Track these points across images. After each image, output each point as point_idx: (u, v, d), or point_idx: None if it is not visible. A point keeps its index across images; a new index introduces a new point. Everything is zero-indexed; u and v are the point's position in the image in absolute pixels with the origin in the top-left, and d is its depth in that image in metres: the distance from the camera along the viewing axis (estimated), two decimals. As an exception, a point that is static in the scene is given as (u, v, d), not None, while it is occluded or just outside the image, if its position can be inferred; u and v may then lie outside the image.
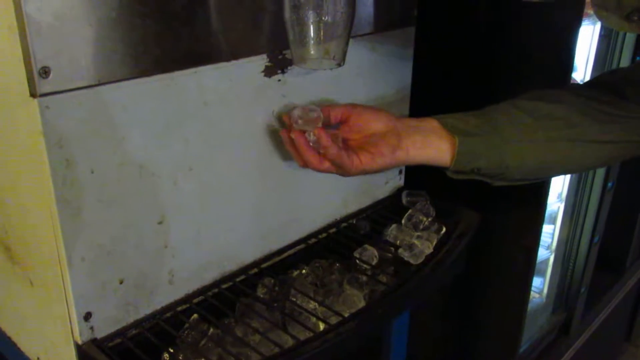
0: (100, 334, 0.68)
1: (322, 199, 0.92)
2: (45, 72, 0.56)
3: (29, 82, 0.56)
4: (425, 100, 1.03)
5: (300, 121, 0.74)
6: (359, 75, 0.89)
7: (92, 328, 0.67)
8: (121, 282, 0.68)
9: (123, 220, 0.66)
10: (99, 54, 0.59)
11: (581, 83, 0.93)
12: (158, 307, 0.74)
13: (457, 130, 0.79)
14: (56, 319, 0.69)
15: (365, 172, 0.77)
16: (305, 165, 0.77)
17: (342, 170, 0.77)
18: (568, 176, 1.52)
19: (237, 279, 0.81)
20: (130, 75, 0.62)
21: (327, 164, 0.75)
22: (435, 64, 1.14)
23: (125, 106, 0.63)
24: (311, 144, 0.75)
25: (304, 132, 0.75)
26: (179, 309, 0.75)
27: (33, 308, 0.75)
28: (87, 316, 0.66)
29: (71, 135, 0.59)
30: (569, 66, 1.09)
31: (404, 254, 0.88)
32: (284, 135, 0.76)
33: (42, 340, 0.76)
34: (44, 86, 0.56)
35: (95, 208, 0.63)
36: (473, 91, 1.15)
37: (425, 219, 0.95)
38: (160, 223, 0.70)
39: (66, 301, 0.66)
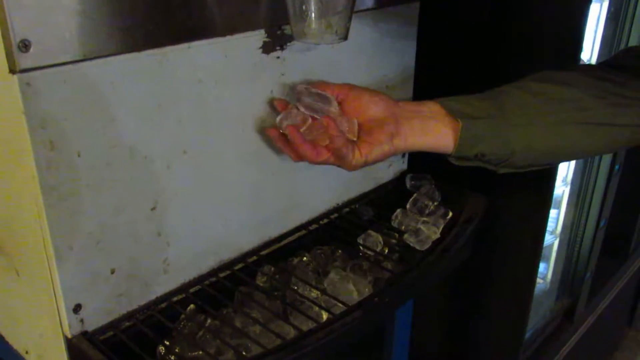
0: (91, 326, 0.64)
1: (323, 183, 0.88)
2: (25, 45, 0.51)
3: (7, 57, 0.51)
4: (430, 79, 0.99)
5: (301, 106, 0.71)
6: (361, 53, 0.85)
7: (82, 321, 0.63)
8: (112, 272, 0.65)
9: (113, 206, 0.62)
10: (85, 26, 0.55)
11: (594, 63, 0.88)
12: (152, 297, 0.70)
13: (461, 113, 0.74)
14: (44, 311, 0.65)
15: (365, 164, 0.73)
16: (300, 159, 0.72)
17: (341, 163, 0.72)
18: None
19: (236, 267, 0.78)
20: (119, 50, 0.58)
21: (324, 156, 0.71)
22: (439, 42, 1.09)
23: (113, 84, 0.59)
24: (303, 129, 0.71)
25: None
26: (175, 299, 0.72)
27: (20, 299, 0.71)
28: (77, 308, 0.63)
29: (55, 115, 0.55)
30: (579, 41, 1.05)
31: (410, 240, 0.84)
32: (273, 134, 0.72)
33: (30, 333, 0.72)
34: (24, 61, 0.52)
35: (83, 193, 0.59)
36: (479, 71, 1.10)
37: (431, 203, 0.91)
38: (153, 209, 0.66)
39: (54, 292, 0.62)
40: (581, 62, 1.06)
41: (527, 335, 1.47)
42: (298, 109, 0.73)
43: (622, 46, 1.41)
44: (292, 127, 0.70)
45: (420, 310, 1.27)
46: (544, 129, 0.75)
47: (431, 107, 0.75)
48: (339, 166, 0.73)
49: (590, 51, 1.45)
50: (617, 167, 1.48)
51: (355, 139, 0.73)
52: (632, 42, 1.40)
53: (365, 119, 0.74)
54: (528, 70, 0.81)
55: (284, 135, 0.72)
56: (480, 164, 0.77)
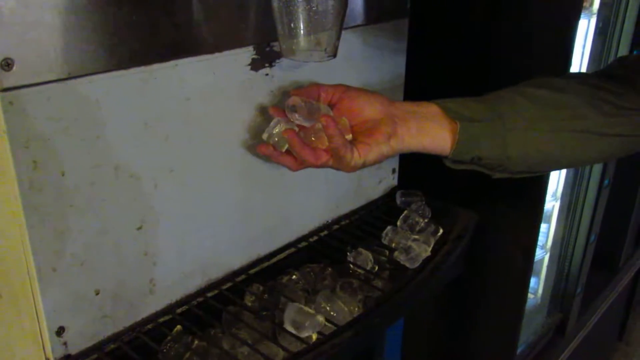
0: (74, 349, 0.63)
1: (313, 200, 0.87)
2: (7, 64, 0.50)
3: (-11, 76, 0.50)
4: (420, 95, 0.99)
5: (297, 116, 0.69)
6: (351, 69, 0.85)
7: (65, 344, 0.62)
8: (97, 293, 0.63)
9: (98, 226, 0.61)
10: (70, 44, 0.54)
11: (591, 72, 0.88)
12: (138, 318, 0.68)
13: (459, 116, 0.73)
14: (26, 334, 0.63)
15: (363, 165, 0.72)
16: (298, 167, 0.71)
17: (340, 164, 0.71)
18: (563, 174, 1.49)
19: (224, 287, 0.77)
20: (105, 68, 0.57)
21: (324, 158, 0.70)
22: (429, 57, 1.09)
23: (99, 102, 0.58)
24: (296, 125, 0.69)
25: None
26: (161, 320, 0.70)
27: (1, 322, 0.69)
28: (60, 331, 0.61)
29: (39, 134, 0.54)
30: (568, 56, 1.05)
31: (400, 258, 0.83)
32: (265, 150, 0.71)
33: (12, 357, 0.71)
34: (7, 79, 0.50)
35: (67, 214, 0.58)
36: (469, 85, 1.10)
37: (421, 220, 0.90)
38: (139, 229, 0.65)
39: (36, 315, 0.60)
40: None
41: (519, 350, 1.46)
42: (287, 120, 0.71)
43: (610, 61, 1.41)
44: (291, 132, 0.68)
45: (411, 327, 1.26)
46: (540, 136, 0.74)
47: (429, 108, 0.75)
48: (337, 169, 0.72)
49: (578, 66, 1.45)
50: (606, 181, 1.48)
51: (350, 137, 0.72)
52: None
53: (361, 120, 0.73)
54: (516, 82, 0.81)
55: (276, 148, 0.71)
56: (475, 167, 0.76)
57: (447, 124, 0.73)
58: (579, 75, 0.97)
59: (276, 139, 0.70)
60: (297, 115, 0.69)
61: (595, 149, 0.77)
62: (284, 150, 0.71)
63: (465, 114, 0.73)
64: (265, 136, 0.71)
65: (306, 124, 0.69)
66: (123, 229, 0.64)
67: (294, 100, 0.69)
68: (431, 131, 0.73)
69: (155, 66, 0.61)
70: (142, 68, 0.60)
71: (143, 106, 0.61)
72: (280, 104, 0.75)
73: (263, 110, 0.74)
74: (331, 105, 0.73)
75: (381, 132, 0.71)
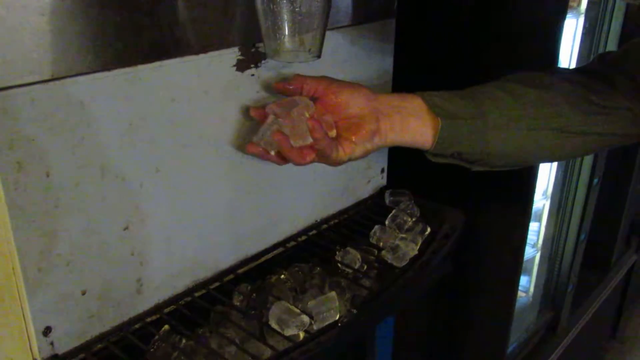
0: (61, 349, 0.63)
1: (301, 200, 0.88)
2: (-10, 65, 0.51)
3: (-28, 77, 0.51)
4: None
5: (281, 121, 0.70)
6: (338, 70, 0.85)
7: (52, 343, 0.62)
8: (83, 293, 0.63)
9: (84, 227, 0.61)
10: (54, 45, 0.54)
11: (572, 68, 0.89)
12: (125, 318, 0.69)
13: (442, 111, 0.74)
14: (13, 334, 0.63)
15: (349, 160, 0.73)
16: (285, 162, 0.73)
17: (325, 161, 0.72)
18: (553, 173, 1.50)
19: (211, 287, 0.77)
20: (89, 69, 0.57)
21: (310, 157, 0.71)
22: (417, 58, 1.10)
23: (83, 103, 0.58)
24: (282, 128, 0.70)
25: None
26: (149, 319, 0.70)
27: (-10, 322, 0.70)
28: (47, 331, 0.61)
29: (23, 136, 0.54)
30: (555, 56, 1.06)
31: (388, 257, 0.84)
32: (254, 150, 0.72)
33: None
34: (-10, 81, 0.51)
35: (52, 214, 0.58)
36: (456, 86, 1.11)
37: (409, 219, 0.91)
38: (125, 229, 0.65)
39: (23, 315, 0.60)
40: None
41: (510, 349, 1.47)
42: (273, 122, 0.72)
43: (591, 58, 1.42)
44: (281, 135, 0.69)
45: (402, 326, 1.26)
46: (519, 133, 0.76)
47: (413, 102, 0.75)
48: (323, 163, 0.73)
49: (567, 66, 1.46)
50: (596, 180, 1.49)
51: (334, 134, 0.73)
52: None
53: (346, 116, 0.73)
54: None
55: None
56: (456, 161, 0.78)
57: (429, 120, 0.74)
58: (562, 70, 0.98)
59: (267, 141, 0.72)
60: (280, 121, 0.70)
61: (573, 146, 0.78)
62: (273, 152, 0.72)
63: (449, 110, 0.74)
64: (255, 139, 0.72)
65: (289, 126, 0.70)
66: (109, 229, 0.64)
67: (271, 109, 0.71)
68: (414, 127, 0.74)
69: (140, 67, 0.62)
70: (127, 69, 0.61)
71: (128, 107, 0.62)
72: (266, 103, 0.76)
73: (249, 111, 0.75)
74: (314, 99, 0.73)
75: (365, 129, 0.72)
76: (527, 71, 0.81)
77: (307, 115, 0.71)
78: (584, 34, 1.37)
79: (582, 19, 1.36)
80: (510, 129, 0.75)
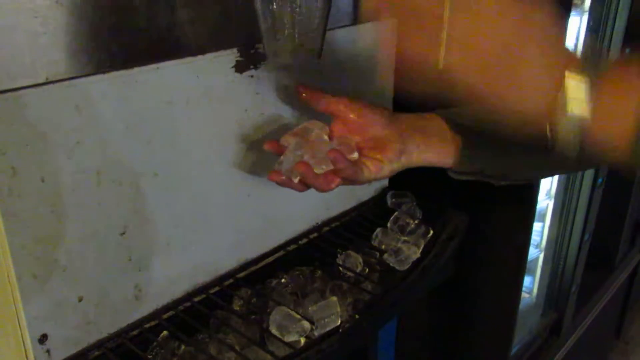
0: (58, 357, 0.62)
1: (302, 203, 0.87)
2: (-18, 69, 0.49)
3: (-36, 82, 0.50)
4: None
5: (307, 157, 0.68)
6: (339, 70, 0.84)
7: (48, 351, 0.61)
8: (80, 300, 0.62)
9: (80, 232, 0.60)
10: (47, 48, 0.53)
11: None
12: (123, 325, 0.68)
13: (462, 129, 0.73)
14: (8, 342, 0.62)
15: (375, 180, 0.71)
16: (307, 189, 0.70)
17: (351, 183, 0.70)
18: (557, 172, 1.48)
19: (211, 291, 0.76)
20: (84, 72, 0.56)
21: (336, 182, 0.68)
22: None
23: (78, 107, 0.57)
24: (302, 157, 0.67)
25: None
26: (147, 326, 0.69)
27: (-15, 329, 0.69)
28: (43, 339, 0.60)
29: (16, 141, 0.53)
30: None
31: (390, 260, 0.83)
32: (277, 178, 0.68)
33: (-4, 364, 0.70)
34: (-18, 85, 0.50)
35: (48, 220, 0.57)
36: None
37: (412, 221, 0.89)
38: (122, 234, 0.64)
39: (18, 322, 0.59)
40: None
41: (514, 350, 1.46)
42: (293, 151, 0.69)
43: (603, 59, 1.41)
44: (304, 166, 0.66)
45: (404, 328, 1.25)
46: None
47: (433, 121, 0.74)
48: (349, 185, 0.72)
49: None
50: (600, 180, 1.47)
51: (356, 156, 0.70)
52: (613, 55, 1.40)
53: (369, 137, 0.71)
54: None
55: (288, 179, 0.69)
56: (479, 178, 0.76)
57: (451, 138, 0.73)
58: None
59: (288, 170, 0.69)
60: (298, 153, 0.68)
61: None
62: (297, 180, 0.69)
63: (469, 126, 0.72)
64: (277, 168, 0.69)
65: (310, 153, 0.68)
66: (106, 235, 0.63)
67: (286, 140, 0.69)
68: (437, 147, 0.73)
69: (136, 70, 0.60)
70: (123, 72, 0.59)
71: (124, 110, 0.61)
72: (273, 131, 0.76)
73: (248, 112, 0.74)
74: (332, 115, 0.71)
75: (392, 149, 0.70)
76: None
77: (325, 137, 0.70)
78: (587, 32, 1.35)
79: (586, 17, 1.34)
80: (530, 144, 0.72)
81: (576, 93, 0.55)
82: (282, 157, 0.68)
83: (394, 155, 0.70)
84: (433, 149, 0.73)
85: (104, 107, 0.59)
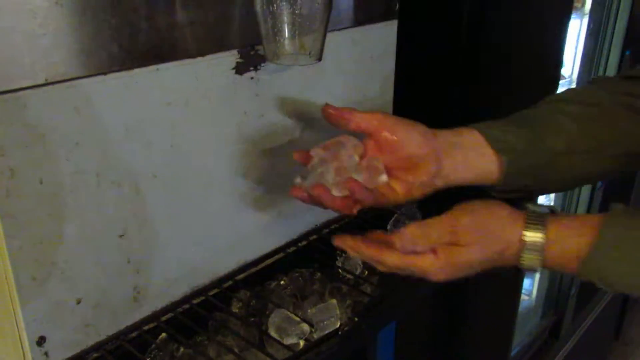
0: (56, 359, 0.62)
1: (301, 204, 0.86)
2: (-19, 70, 0.49)
3: (-38, 83, 0.49)
4: (410, 97, 0.98)
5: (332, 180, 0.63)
6: (339, 72, 0.84)
7: (46, 354, 0.61)
8: (78, 302, 0.62)
9: (79, 234, 0.60)
10: (47, 49, 0.53)
11: (615, 75, 0.81)
12: (122, 327, 0.67)
13: (503, 145, 0.67)
14: (7, 344, 0.62)
15: (404, 202, 0.67)
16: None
17: (379, 207, 0.67)
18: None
19: (210, 293, 0.76)
20: (83, 73, 0.56)
21: (357, 208, 0.65)
22: (419, 59, 1.08)
23: (77, 108, 0.57)
24: (327, 174, 0.63)
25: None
26: (145, 328, 0.69)
27: (-17, 331, 0.69)
28: (41, 341, 0.60)
29: (15, 142, 0.53)
30: (559, 56, 1.04)
31: (389, 263, 0.82)
32: (299, 194, 0.64)
33: (-6, 366, 0.70)
34: (-19, 86, 0.50)
35: (46, 222, 0.57)
36: (459, 86, 1.10)
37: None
38: (121, 236, 0.64)
39: (16, 324, 0.59)
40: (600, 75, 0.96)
41: (513, 352, 1.46)
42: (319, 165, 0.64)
43: (603, 61, 1.41)
44: (321, 189, 0.62)
45: (403, 330, 1.25)
46: (584, 157, 0.70)
47: (471, 137, 0.68)
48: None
49: (571, 67, 1.45)
50: (600, 183, 1.47)
51: (384, 179, 0.64)
52: (613, 57, 1.40)
53: (403, 156, 0.64)
54: (509, 88, 0.80)
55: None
56: (520, 195, 0.72)
57: (491, 155, 0.67)
58: (603, 82, 0.82)
59: (311, 187, 0.64)
60: (319, 170, 0.64)
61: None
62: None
63: (510, 142, 0.68)
64: (298, 181, 0.65)
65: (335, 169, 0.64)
66: (105, 237, 0.63)
67: (316, 152, 0.64)
68: (476, 165, 0.67)
69: (136, 71, 0.60)
70: (122, 73, 0.59)
71: (124, 112, 0.60)
72: (272, 134, 0.74)
73: (248, 114, 0.73)
74: (364, 133, 0.65)
75: (426, 171, 0.64)
76: (570, 89, 0.76)
77: (356, 158, 0.64)
78: (588, 35, 1.35)
79: (586, 20, 1.34)
80: (575, 153, 0.69)
81: None
82: (305, 172, 0.64)
83: (427, 177, 0.64)
84: (474, 167, 0.67)
85: (103, 109, 0.59)
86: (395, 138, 0.63)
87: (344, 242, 0.64)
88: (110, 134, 0.60)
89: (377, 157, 0.64)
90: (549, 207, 0.62)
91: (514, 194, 0.72)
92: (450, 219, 0.60)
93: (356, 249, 0.63)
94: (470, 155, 0.67)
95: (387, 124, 0.64)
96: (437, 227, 0.59)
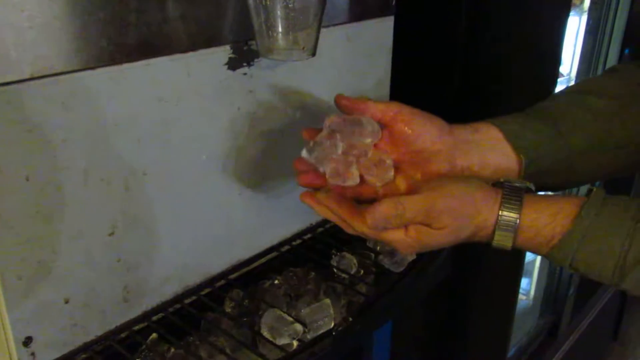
0: (43, 360, 0.61)
1: (295, 202, 0.84)
2: (-36, 64, 0.48)
3: (-56, 76, 0.48)
4: (407, 94, 0.97)
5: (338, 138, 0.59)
6: (334, 68, 0.83)
7: (33, 354, 0.59)
8: (67, 302, 0.61)
9: (67, 233, 0.59)
10: (32, 43, 0.52)
11: (635, 63, 0.75)
12: (112, 327, 0.66)
13: (523, 142, 0.65)
14: (-7, 344, 0.61)
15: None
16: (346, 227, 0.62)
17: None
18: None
19: (202, 293, 0.74)
20: (70, 68, 0.55)
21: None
22: (416, 55, 1.07)
23: (65, 104, 0.55)
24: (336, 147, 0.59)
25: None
26: (136, 328, 0.68)
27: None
28: (27, 341, 0.59)
29: (0, 138, 0.52)
30: (557, 54, 1.03)
31: (385, 262, 0.81)
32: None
33: (-18, 366, 0.68)
34: (-36, 80, 0.48)
35: (32, 220, 0.56)
36: (456, 83, 1.08)
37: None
38: (111, 235, 0.63)
39: (2, 324, 0.58)
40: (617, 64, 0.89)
41: (511, 353, 1.45)
42: (329, 140, 0.61)
43: (602, 59, 1.40)
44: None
45: (400, 330, 1.24)
46: (605, 154, 0.68)
47: (489, 133, 0.65)
48: None
49: (569, 65, 1.44)
50: (597, 182, 1.46)
51: (391, 176, 0.61)
52: (612, 56, 1.39)
53: (415, 149, 0.61)
54: (507, 85, 0.78)
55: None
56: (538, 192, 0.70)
57: (510, 153, 0.64)
58: (626, 70, 0.77)
59: (318, 157, 0.60)
60: (338, 138, 0.60)
61: None
62: (323, 170, 0.61)
63: (529, 139, 0.65)
64: (304, 153, 0.61)
65: (339, 152, 0.60)
66: (94, 235, 0.61)
67: (332, 121, 0.60)
68: (493, 164, 0.64)
69: (126, 66, 0.59)
70: (111, 68, 0.58)
71: (113, 108, 0.59)
72: (266, 131, 0.73)
73: (241, 111, 0.72)
74: (381, 126, 0.62)
75: (436, 170, 0.62)
76: (588, 79, 0.74)
77: (370, 144, 0.61)
78: (586, 33, 1.34)
79: (585, 17, 1.33)
80: (595, 151, 0.67)
81: None
82: (312, 143, 0.60)
83: (435, 176, 0.62)
84: (489, 166, 0.64)
85: (92, 104, 0.57)
86: (409, 131, 0.61)
87: (313, 196, 0.61)
88: (99, 130, 0.59)
89: (388, 153, 0.62)
90: (525, 183, 0.60)
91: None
92: (426, 200, 0.57)
93: (327, 204, 0.60)
94: (487, 152, 0.64)
95: (404, 115, 0.61)
96: (411, 209, 0.56)
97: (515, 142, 0.65)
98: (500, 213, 0.58)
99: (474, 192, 0.59)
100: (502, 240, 0.59)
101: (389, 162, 0.61)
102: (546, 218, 0.58)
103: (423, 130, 0.61)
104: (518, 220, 0.57)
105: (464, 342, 1.36)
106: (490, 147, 0.65)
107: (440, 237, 0.58)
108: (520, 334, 1.49)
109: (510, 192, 0.59)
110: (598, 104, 0.68)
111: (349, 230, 0.61)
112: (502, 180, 0.61)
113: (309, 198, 0.62)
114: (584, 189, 0.63)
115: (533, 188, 0.61)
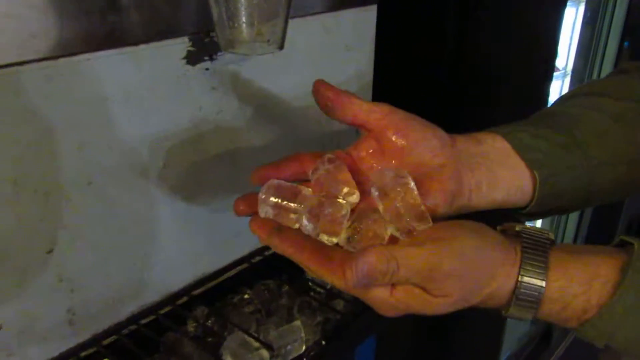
0: (-28, 395, 0.54)
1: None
2: None
3: None
4: (390, 90, 0.90)
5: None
6: (310, 63, 0.75)
7: (-41, 389, 0.52)
8: (0, 328, 0.54)
9: (-5, 251, 0.52)
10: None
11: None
12: (55, 354, 0.59)
13: (536, 156, 0.53)
14: None
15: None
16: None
17: None
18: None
19: (161, 312, 0.67)
20: (-6, 63, 0.47)
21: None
22: (401, 48, 1.00)
23: (-13, 105, 0.48)
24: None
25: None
26: (83, 354, 0.61)
27: None
28: (-49, 376, 0.52)
29: None
30: (553, 46, 0.97)
31: (365, 275, 0.74)
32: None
33: None
34: None
35: (-49, 239, 0.48)
36: (443, 77, 1.01)
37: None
38: (50, 252, 0.55)
39: None
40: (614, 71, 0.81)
41: (503, 358, 1.39)
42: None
43: (600, 52, 1.33)
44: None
45: (385, 341, 1.18)
46: (629, 165, 0.57)
47: (496, 146, 0.54)
48: None
49: (566, 56, 1.37)
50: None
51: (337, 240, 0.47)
52: (610, 48, 1.32)
53: (411, 162, 0.49)
54: (498, 79, 0.72)
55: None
56: (552, 215, 0.59)
57: (522, 168, 0.53)
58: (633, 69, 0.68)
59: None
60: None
61: None
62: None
63: (543, 151, 0.54)
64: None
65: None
66: (29, 254, 0.54)
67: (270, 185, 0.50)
68: (504, 182, 0.52)
69: (62, 61, 0.51)
70: (45, 63, 0.50)
71: (47, 109, 0.52)
72: (232, 132, 0.66)
73: (203, 110, 0.65)
74: (361, 128, 0.50)
75: (442, 189, 0.48)
76: (599, 80, 0.65)
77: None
78: (584, 24, 1.27)
79: (582, 8, 1.26)
80: (617, 162, 0.56)
81: None
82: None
83: (442, 198, 0.48)
84: (500, 185, 0.52)
85: (20, 105, 0.50)
86: (403, 142, 0.49)
87: (264, 227, 0.48)
88: (30, 135, 0.51)
89: (373, 210, 0.46)
90: (547, 233, 0.48)
91: (544, 217, 0.59)
92: (429, 258, 0.42)
93: (282, 249, 0.48)
94: (496, 168, 0.52)
95: (395, 121, 0.49)
96: (408, 267, 0.41)
97: (526, 154, 0.53)
98: (519, 279, 0.45)
99: (491, 250, 0.45)
100: (520, 314, 0.47)
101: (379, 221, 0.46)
102: (577, 287, 0.45)
103: (422, 140, 0.49)
104: (543, 290, 0.45)
105: (455, 348, 1.30)
106: (498, 162, 0.53)
107: (437, 306, 0.44)
108: (512, 339, 1.44)
109: (531, 246, 0.46)
110: (616, 108, 0.58)
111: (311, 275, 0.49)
112: (517, 228, 0.48)
113: (257, 226, 0.49)
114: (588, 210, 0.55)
115: (553, 237, 0.48)
